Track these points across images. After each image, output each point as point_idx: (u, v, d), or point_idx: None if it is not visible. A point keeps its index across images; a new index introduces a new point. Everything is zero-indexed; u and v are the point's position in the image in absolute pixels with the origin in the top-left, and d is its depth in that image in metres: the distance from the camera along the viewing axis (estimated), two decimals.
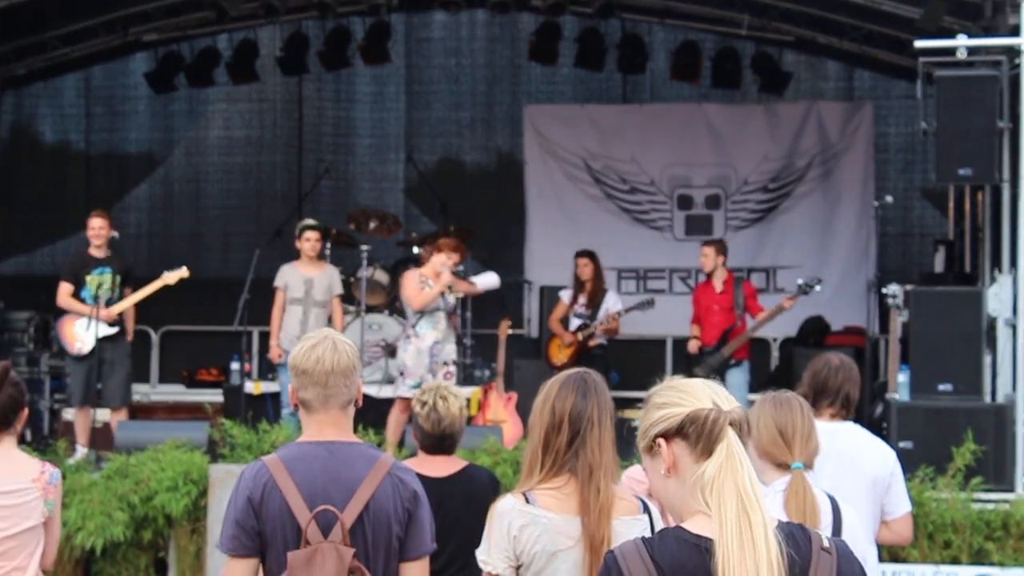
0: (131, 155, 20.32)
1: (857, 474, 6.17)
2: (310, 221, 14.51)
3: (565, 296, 15.46)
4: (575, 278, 15.38)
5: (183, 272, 13.61)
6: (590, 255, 15.32)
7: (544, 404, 4.55)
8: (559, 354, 15.17)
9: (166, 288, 13.76)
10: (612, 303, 15.20)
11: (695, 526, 3.09)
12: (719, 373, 13.77)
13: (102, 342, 13.33)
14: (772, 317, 14.20)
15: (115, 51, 19.26)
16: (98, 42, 18.70)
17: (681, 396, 3.19)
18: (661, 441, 3.18)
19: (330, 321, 13.96)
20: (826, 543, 3.16)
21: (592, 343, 15.06)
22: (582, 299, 15.21)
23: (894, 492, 6.41)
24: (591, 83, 19.44)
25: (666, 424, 3.18)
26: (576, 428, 4.49)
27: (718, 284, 14.47)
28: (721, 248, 14.72)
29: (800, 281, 14.48)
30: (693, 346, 14.56)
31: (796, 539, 3.12)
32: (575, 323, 15.18)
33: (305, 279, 13.95)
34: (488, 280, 13.91)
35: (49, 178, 20.13)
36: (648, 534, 4.31)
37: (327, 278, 14.07)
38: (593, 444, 4.49)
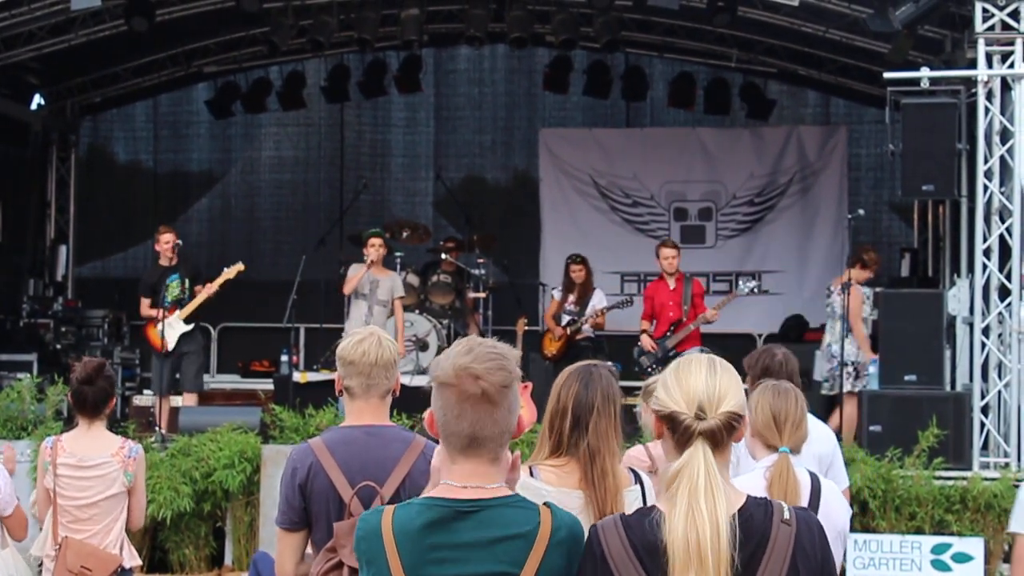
0: (193, 173, 20.35)
1: (807, 451, 6.18)
2: (374, 229, 14.56)
3: (557, 295, 15.37)
4: (567, 280, 15.15)
5: (239, 266, 13.73)
6: (583, 260, 15.13)
7: (552, 392, 4.49)
8: (551, 347, 15.03)
9: (224, 288, 13.85)
10: (597, 300, 14.99)
11: (663, 506, 3.11)
12: (662, 364, 13.52)
13: (180, 337, 13.58)
14: (705, 321, 13.88)
15: (179, 81, 19.31)
16: (164, 73, 18.78)
17: (677, 389, 3.18)
18: (654, 415, 3.24)
19: (391, 318, 14.11)
20: (787, 515, 3.14)
21: (579, 336, 14.92)
22: (572, 298, 15.08)
23: (836, 468, 6.43)
24: (598, 109, 19.42)
25: (657, 408, 3.21)
26: (577, 415, 4.39)
27: (671, 282, 14.15)
28: (680, 249, 14.51)
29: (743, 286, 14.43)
30: (648, 344, 14.08)
31: (757, 517, 3.11)
32: (564, 319, 15.01)
33: (371, 279, 14.03)
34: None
35: (121, 193, 20.17)
36: (640, 502, 4.34)
37: (390, 282, 14.14)
38: (594, 430, 4.39)
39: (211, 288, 13.70)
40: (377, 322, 13.87)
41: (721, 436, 3.14)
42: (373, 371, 4.62)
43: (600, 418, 4.41)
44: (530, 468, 4.47)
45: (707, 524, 3.01)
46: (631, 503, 4.32)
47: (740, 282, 14.54)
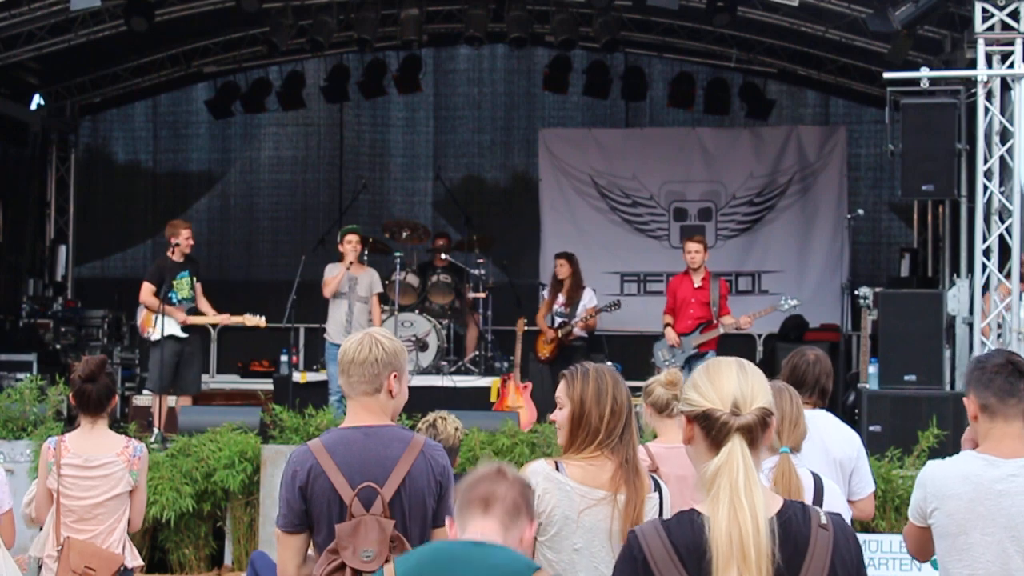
0: (193, 173, 20.34)
1: (826, 456, 6.14)
2: (350, 226, 14.56)
3: (547, 296, 15.34)
4: (553, 277, 15.18)
5: (260, 321, 13.66)
6: (567, 256, 15.13)
7: (604, 393, 4.53)
8: (544, 349, 15.00)
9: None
10: (588, 300, 14.97)
11: (704, 507, 3.12)
12: (683, 363, 13.48)
13: (179, 339, 13.42)
14: (736, 328, 13.91)
15: (179, 81, 19.33)
16: (164, 73, 18.81)
17: (710, 388, 3.20)
18: (684, 418, 3.24)
19: (370, 315, 14.06)
20: (823, 520, 3.17)
21: (571, 337, 14.91)
22: (561, 299, 15.02)
23: (860, 473, 6.37)
24: (598, 109, 19.43)
25: (688, 409, 3.22)
26: (627, 417, 4.54)
27: (697, 279, 13.98)
28: (707, 246, 14.50)
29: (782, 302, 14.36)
30: (672, 338, 13.86)
31: (796, 520, 3.14)
32: (556, 321, 14.98)
33: (349, 277, 14.01)
34: None
35: (120, 193, 20.14)
36: (657, 510, 4.39)
37: (368, 278, 14.14)
38: (632, 431, 4.54)
39: (224, 318, 13.64)
40: (359, 320, 13.86)
41: (757, 432, 3.16)
42: (367, 370, 4.62)
43: (632, 418, 4.56)
44: (556, 463, 4.51)
45: (749, 520, 3.03)
46: (648, 510, 4.41)
47: (783, 299, 14.40)
